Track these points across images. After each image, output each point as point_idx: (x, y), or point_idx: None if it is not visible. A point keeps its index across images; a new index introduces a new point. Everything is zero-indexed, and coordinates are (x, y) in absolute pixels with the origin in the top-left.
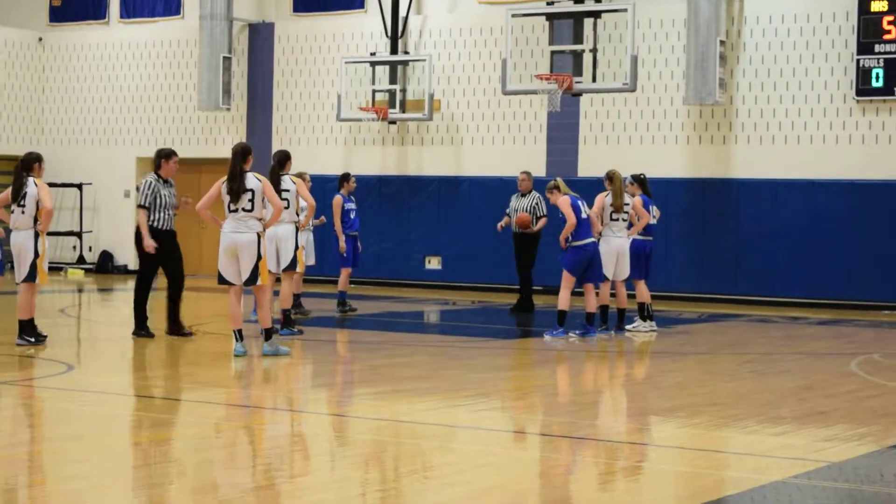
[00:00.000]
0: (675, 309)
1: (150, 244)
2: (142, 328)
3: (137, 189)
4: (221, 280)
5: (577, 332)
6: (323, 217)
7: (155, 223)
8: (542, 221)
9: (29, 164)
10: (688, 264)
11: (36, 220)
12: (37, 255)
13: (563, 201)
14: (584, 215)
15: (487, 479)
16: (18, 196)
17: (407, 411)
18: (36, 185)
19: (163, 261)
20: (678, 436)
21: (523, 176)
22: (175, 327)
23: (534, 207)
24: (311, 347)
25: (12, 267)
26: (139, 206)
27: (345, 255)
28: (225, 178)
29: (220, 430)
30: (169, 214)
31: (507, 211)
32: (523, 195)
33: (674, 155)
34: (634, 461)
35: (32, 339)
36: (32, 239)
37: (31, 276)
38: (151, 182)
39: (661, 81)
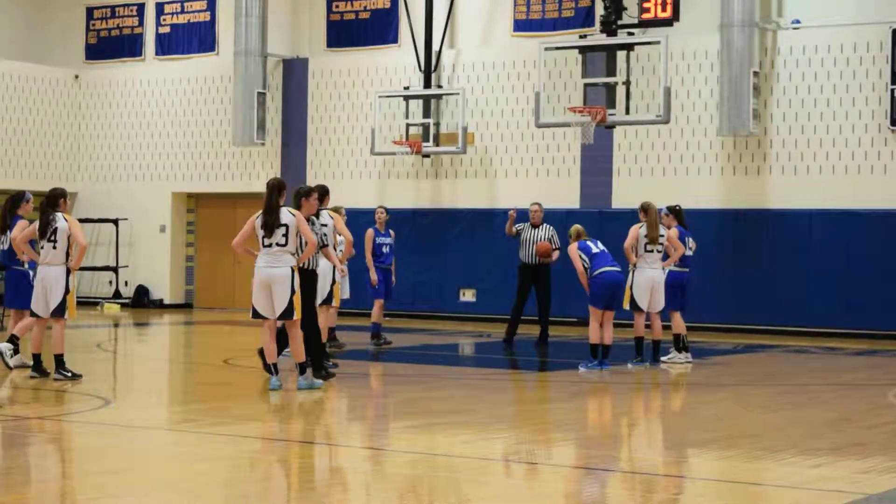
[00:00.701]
0: (711, 340)
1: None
2: (323, 369)
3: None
4: (255, 314)
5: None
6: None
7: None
8: (556, 253)
9: (55, 199)
10: (723, 295)
11: (67, 255)
12: (67, 290)
13: (570, 250)
14: (595, 250)
15: None
16: (47, 232)
17: (442, 444)
18: (66, 220)
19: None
20: (715, 468)
21: (535, 207)
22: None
23: (550, 238)
24: (346, 380)
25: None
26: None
27: (376, 286)
28: (259, 212)
29: (255, 464)
30: (315, 254)
31: (514, 233)
32: (535, 227)
33: (708, 186)
34: (671, 494)
35: (69, 374)
36: (64, 275)
37: (61, 311)
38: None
39: (695, 113)
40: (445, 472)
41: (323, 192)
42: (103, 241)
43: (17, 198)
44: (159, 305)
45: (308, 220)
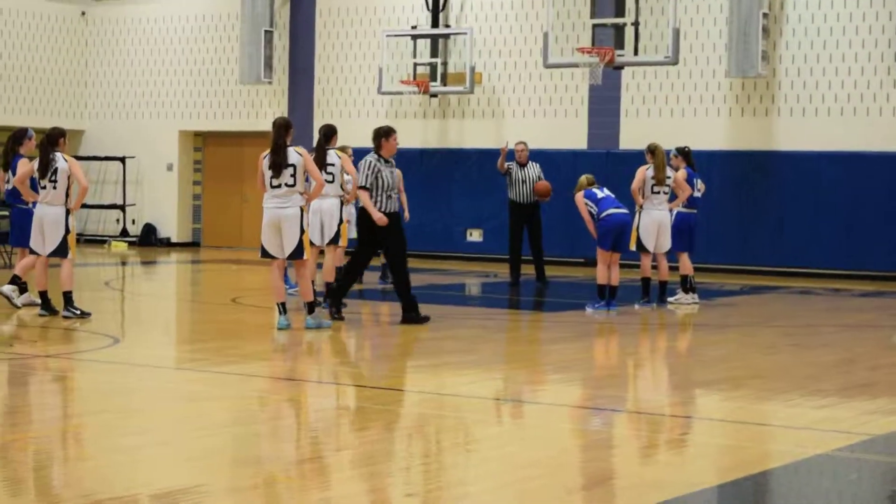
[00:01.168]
0: (717, 281)
1: (381, 218)
2: (338, 310)
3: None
4: (264, 254)
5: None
6: None
7: (376, 206)
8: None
9: (55, 139)
10: (730, 236)
11: (67, 196)
12: (68, 231)
13: (577, 199)
14: (601, 195)
15: (529, 453)
16: (48, 171)
17: (450, 384)
18: (66, 160)
19: (384, 244)
20: (721, 409)
21: (521, 146)
22: (410, 314)
23: (539, 177)
24: (354, 320)
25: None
26: (360, 188)
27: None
28: (267, 152)
29: (265, 403)
30: (391, 196)
31: (510, 171)
32: (522, 166)
33: (716, 127)
34: (677, 434)
35: (78, 312)
36: (63, 216)
37: (63, 251)
38: (372, 162)
39: (704, 54)
40: (452, 411)
41: (330, 132)
42: (110, 180)
43: (19, 135)
44: (167, 244)
45: (387, 162)
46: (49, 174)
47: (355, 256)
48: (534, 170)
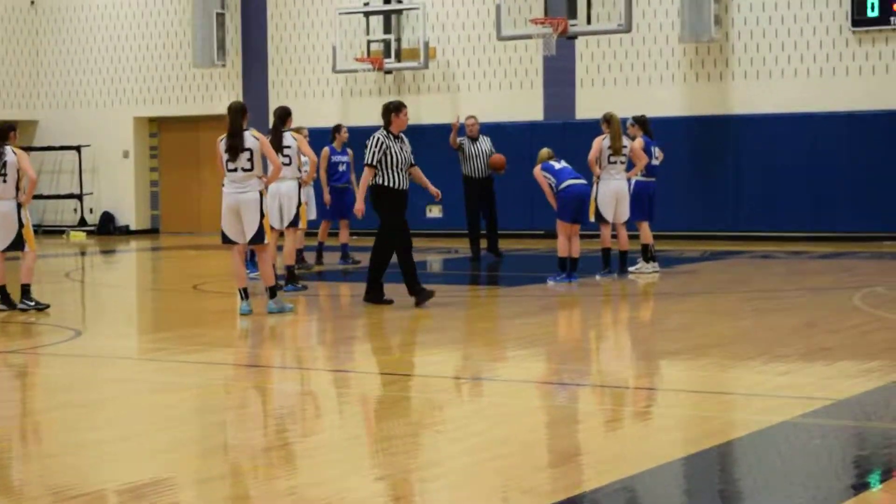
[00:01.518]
0: (677, 248)
1: (359, 208)
2: (377, 294)
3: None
4: (225, 239)
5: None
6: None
7: (386, 182)
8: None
9: (5, 132)
10: (688, 203)
11: (17, 189)
12: (21, 224)
13: (535, 173)
14: (558, 167)
15: (497, 430)
16: None
17: (415, 364)
18: (15, 153)
19: (380, 217)
20: (684, 378)
21: (471, 120)
22: (417, 289)
23: (492, 150)
24: (316, 303)
25: None
26: (366, 165)
27: (328, 206)
28: (221, 137)
29: (230, 391)
30: (402, 173)
31: (462, 146)
32: (474, 140)
33: (671, 94)
34: (642, 406)
35: (33, 304)
36: (15, 210)
37: (19, 244)
38: (380, 139)
39: (656, 20)
40: (420, 392)
41: (284, 114)
42: (66, 169)
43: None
44: (125, 232)
45: (397, 137)
46: None
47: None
48: (485, 143)
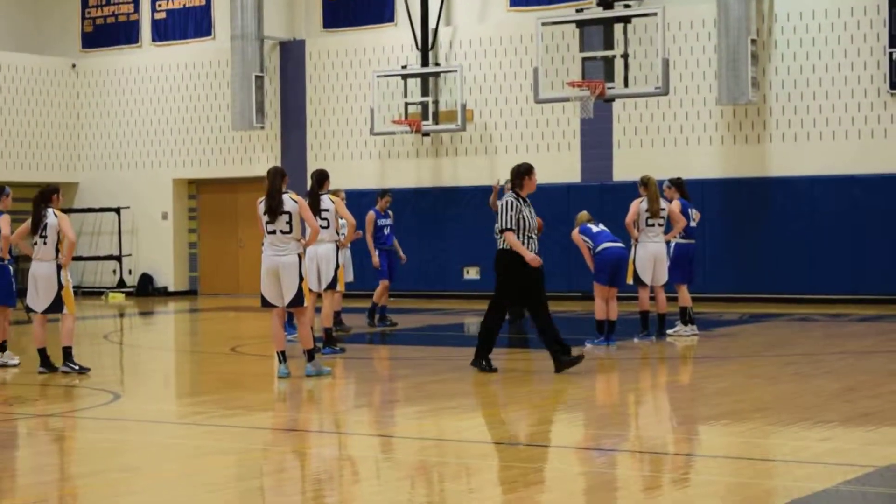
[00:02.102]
0: (716, 310)
1: (535, 258)
2: (484, 360)
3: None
4: (264, 303)
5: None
6: (360, 231)
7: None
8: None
9: (48, 195)
10: (727, 265)
11: (58, 251)
12: (61, 286)
13: (573, 236)
14: (596, 230)
15: (535, 496)
16: (39, 227)
17: (452, 429)
18: (56, 215)
19: (530, 288)
20: (724, 444)
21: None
22: (562, 357)
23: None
24: (354, 366)
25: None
26: (507, 230)
27: (379, 268)
28: (260, 199)
29: (269, 455)
30: (532, 238)
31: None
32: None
33: (709, 156)
34: (681, 473)
35: (76, 367)
36: (55, 271)
37: (58, 307)
38: (513, 202)
39: (694, 83)
40: (456, 457)
41: (322, 177)
42: (106, 230)
43: None
44: (164, 293)
45: (525, 201)
46: (40, 230)
47: (497, 302)
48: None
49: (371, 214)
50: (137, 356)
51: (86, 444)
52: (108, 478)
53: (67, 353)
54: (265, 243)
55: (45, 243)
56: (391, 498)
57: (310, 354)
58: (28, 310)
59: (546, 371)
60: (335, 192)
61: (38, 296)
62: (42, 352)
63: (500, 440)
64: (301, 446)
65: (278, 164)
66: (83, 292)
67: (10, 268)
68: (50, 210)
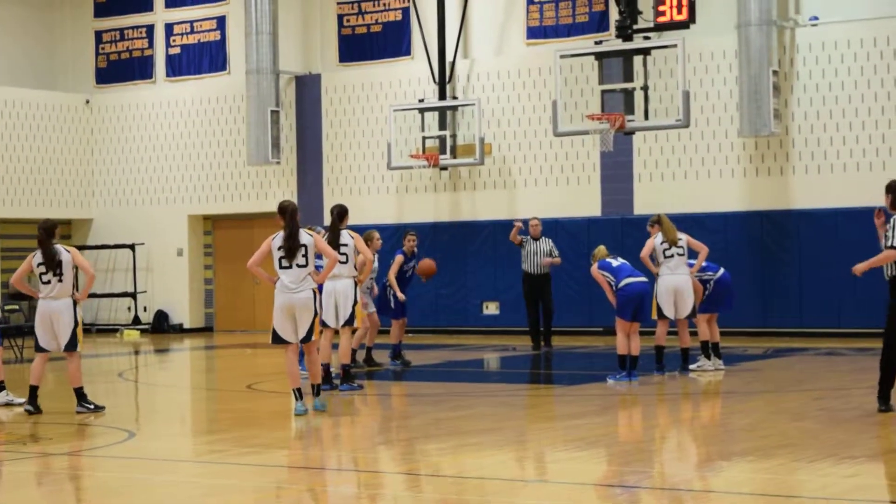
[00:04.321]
0: (739, 345)
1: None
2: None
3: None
4: (277, 339)
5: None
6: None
7: None
8: (558, 260)
9: (51, 230)
10: (750, 299)
11: (75, 287)
12: (76, 323)
13: (592, 271)
14: (616, 264)
15: None
16: (53, 265)
17: (472, 466)
18: (68, 251)
19: None
20: (750, 481)
21: (535, 221)
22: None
23: (550, 252)
24: (372, 402)
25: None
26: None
27: (403, 302)
28: (275, 235)
29: (285, 494)
30: None
31: (524, 243)
32: (535, 240)
33: (731, 188)
34: None
35: (91, 406)
36: (72, 307)
37: (73, 344)
38: None
39: (715, 115)
40: (477, 495)
41: (342, 212)
42: (120, 267)
43: None
44: (179, 330)
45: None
46: (55, 267)
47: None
48: (546, 244)
49: (400, 258)
50: (153, 394)
51: (101, 483)
52: None
53: (81, 393)
54: (279, 281)
55: (60, 280)
56: None
57: (316, 389)
58: (38, 349)
59: (567, 408)
60: (369, 236)
61: (55, 334)
62: (34, 389)
63: (520, 477)
64: (318, 484)
65: (295, 199)
66: (97, 329)
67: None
68: (60, 246)
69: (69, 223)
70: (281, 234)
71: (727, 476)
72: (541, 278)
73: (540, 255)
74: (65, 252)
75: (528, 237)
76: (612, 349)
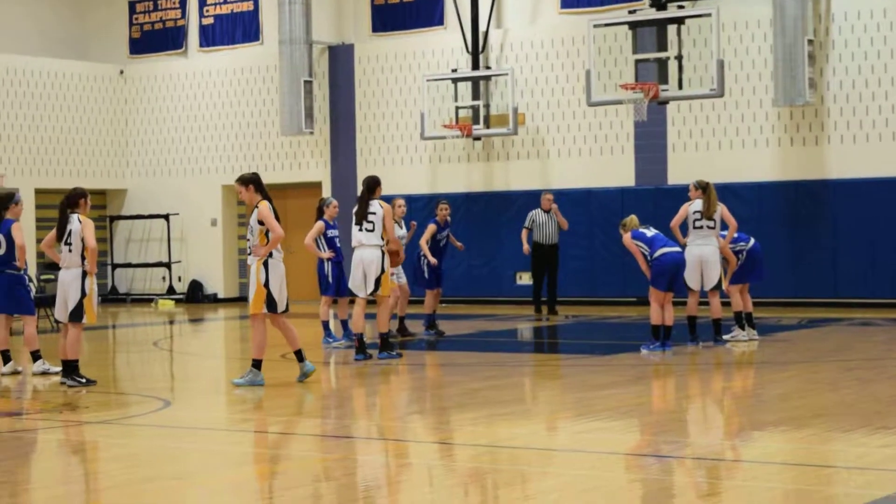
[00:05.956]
0: (774, 315)
1: None
2: None
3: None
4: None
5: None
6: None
7: None
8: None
9: (74, 199)
10: (784, 269)
11: (84, 257)
12: (83, 294)
13: (625, 240)
14: (650, 234)
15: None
16: (64, 234)
17: (505, 436)
18: (80, 221)
19: None
20: (783, 451)
21: (549, 196)
22: None
23: (557, 223)
24: (406, 372)
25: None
26: None
27: (436, 267)
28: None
29: (319, 462)
30: None
31: (526, 224)
32: (546, 212)
33: (765, 158)
34: (740, 480)
35: (83, 381)
36: (80, 278)
37: (78, 315)
38: None
39: (749, 84)
40: (510, 464)
41: (374, 183)
42: (154, 237)
43: (5, 199)
44: (214, 300)
45: None
46: (65, 237)
47: None
48: (557, 216)
49: (433, 227)
50: (187, 363)
51: (137, 452)
52: (160, 485)
53: (73, 366)
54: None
55: (70, 250)
56: None
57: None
58: (57, 321)
59: (600, 378)
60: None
61: (64, 304)
62: (70, 364)
63: (552, 447)
64: (352, 453)
65: (328, 169)
66: (132, 299)
67: (26, 277)
68: (75, 216)
69: (104, 193)
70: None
71: (761, 446)
72: (550, 248)
73: (550, 226)
74: (76, 221)
75: (539, 209)
76: (646, 319)
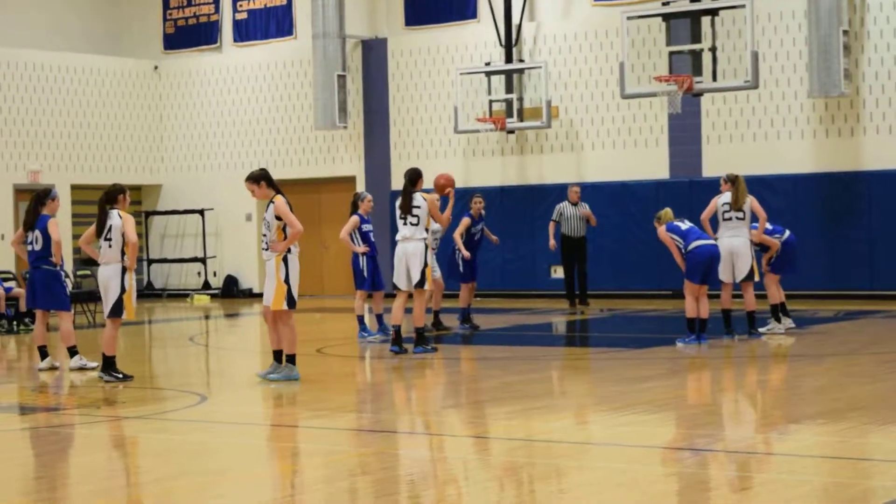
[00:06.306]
0: (810, 307)
1: None
2: None
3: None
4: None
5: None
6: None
7: None
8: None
9: (113, 195)
10: (820, 261)
11: (123, 253)
12: (123, 290)
13: (660, 233)
14: (684, 227)
15: (625, 498)
16: (104, 229)
17: (541, 430)
18: (120, 217)
19: None
20: (821, 444)
21: (576, 188)
22: None
23: (586, 216)
24: (441, 366)
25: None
26: None
27: (469, 261)
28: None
29: (356, 457)
30: None
31: (554, 217)
32: (573, 205)
33: (800, 149)
34: (776, 473)
35: (120, 376)
36: (119, 274)
37: (117, 311)
38: None
39: (784, 76)
40: (545, 458)
41: (416, 176)
42: (190, 233)
43: (42, 195)
44: (249, 295)
45: None
46: (105, 232)
47: None
48: (583, 208)
49: (467, 220)
50: (223, 358)
51: (173, 446)
52: (196, 480)
53: (111, 362)
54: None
55: (109, 246)
56: (481, 499)
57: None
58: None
59: (636, 371)
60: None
61: (105, 300)
62: (107, 359)
63: (588, 441)
64: (388, 447)
65: (362, 164)
66: (168, 294)
67: (62, 272)
68: (115, 211)
69: (139, 189)
70: None
71: (797, 439)
72: (578, 241)
73: (577, 218)
74: (116, 217)
75: (566, 203)
76: (681, 312)
